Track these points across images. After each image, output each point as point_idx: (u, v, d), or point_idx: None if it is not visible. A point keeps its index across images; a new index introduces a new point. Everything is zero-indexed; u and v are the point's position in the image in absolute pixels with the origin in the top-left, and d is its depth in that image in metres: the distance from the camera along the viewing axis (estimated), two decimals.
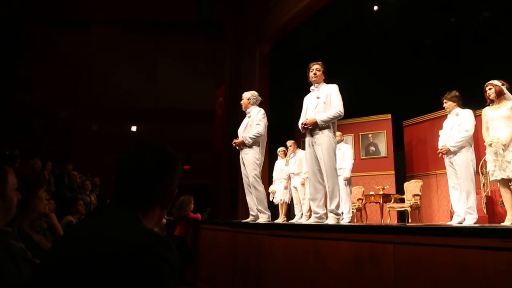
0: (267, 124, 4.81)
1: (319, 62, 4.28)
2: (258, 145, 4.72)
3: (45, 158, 8.24)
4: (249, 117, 4.86)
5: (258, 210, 4.68)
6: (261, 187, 4.69)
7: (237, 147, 4.85)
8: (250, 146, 4.69)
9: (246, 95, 4.99)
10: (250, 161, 4.66)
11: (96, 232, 1.00)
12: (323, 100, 4.11)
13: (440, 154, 4.56)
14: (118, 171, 1.12)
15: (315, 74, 4.22)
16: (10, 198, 1.50)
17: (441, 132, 4.86)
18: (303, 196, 6.52)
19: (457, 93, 4.66)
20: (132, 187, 1.09)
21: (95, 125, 13.09)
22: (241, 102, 4.99)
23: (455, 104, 4.64)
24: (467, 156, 4.35)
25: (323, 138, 4.02)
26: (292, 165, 6.82)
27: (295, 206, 6.83)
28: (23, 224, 2.01)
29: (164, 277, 0.95)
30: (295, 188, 6.72)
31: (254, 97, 4.95)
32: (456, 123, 4.50)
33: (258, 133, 4.65)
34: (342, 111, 4.04)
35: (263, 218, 4.60)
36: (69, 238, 1.06)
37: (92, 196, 7.25)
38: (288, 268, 3.33)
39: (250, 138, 4.64)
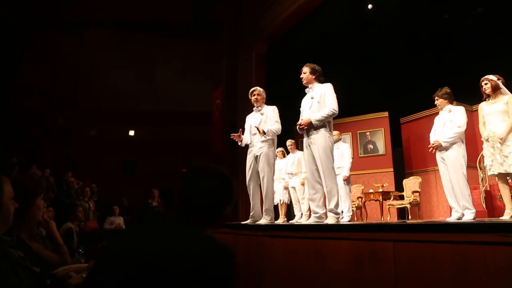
0: None
1: (306, 64, 4.32)
2: (273, 144, 4.72)
3: (44, 164, 8.23)
4: (261, 114, 4.80)
5: (264, 211, 4.64)
6: (272, 187, 4.68)
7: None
8: (266, 141, 4.65)
9: (262, 91, 4.93)
10: (266, 160, 4.61)
11: (181, 243, 1.14)
12: (317, 100, 4.12)
13: (431, 149, 4.57)
14: (194, 190, 1.30)
15: (302, 77, 4.30)
16: (6, 207, 1.50)
17: (433, 128, 4.86)
18: (302, 195, 6.53)
19: (448, 90, 4.66)
20: (203, 207, 1.28)
21: (94, 129, 13.07)
22: (257, 98, 4.86)
23: (446, 101, 4.64)
24: (459, 151, 4.35)
25: (319, 137, 4.02)
26: (291, 165, 6.82)
27: (294, 206, 6.83)
28: (21, 232, 2.00)
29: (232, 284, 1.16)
30: (293, 188, 6.73)
31: (265, 95, 4.96)
32: (448, 119, 4.51)
33: (279, 130, 4.67)
34: (336, 109, 4.04)
35: (266, 220, 4.58)
36: (157, 248, 1.13)
37: (90, 202, 7.23)
38: (289, 268, 3.33)
39: (270, 131, 4.62)
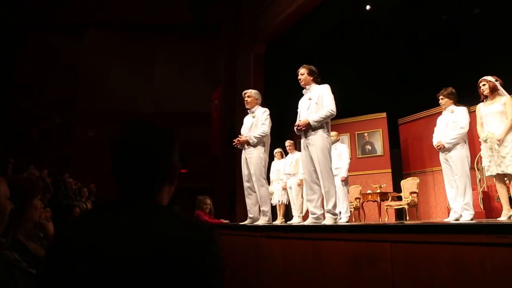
0: (271, 124, 4.82)
1: (303, 66, 4.34)
2: (263, 145, 4.72)
3: (43, 165, 8.20)
4: (253, 117, 4.83)
5: (261, 212, 4.66)
6: (266, 188, 4.69)
7: (239, 146, 4.81)
8: (254, 146, 4.67)
9: (253, 93, 4.95)
10: (256, 161, 4.63)
11: (143, 227, 0.93)
12: (314, 101, 4.13)
13: (438, 148, 4.58)
14: (122, 155, 1.04)
15: (299, 79, 4.31)
16: (3, 207, 1.49)
17: (436, 129, 4.88)
18: (297, 196, 6.54)
19: (453, 90, 4.69)
20: (139, 169, 1.02)
21: (92, 130, 13.04)
22: (247, 100, 4.92)
23: (451, 101, 4.66)
24: (462, 152, 4.37)
25: (317, 138, 4.04)
26: (288, 165, 6.83)
27: (292, 207, 6.84)
28: (18, 233, 1.99)
29: (220, 266, 0.96)
30: (290, 188, 6.74)
31: (259, 96, 4.97)
32: (451, 120, 4.53)
33: (264, 133, 4.65)
34: (334, 110, 4.06)
35: (263, 220, 4.59)
36: (115, 237, 0.93)
37: (88, 203, 7.22)
38: (287, 269, 3.33)
39: (255, 137, 4.63)
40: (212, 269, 0.93)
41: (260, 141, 4.68)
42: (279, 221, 6.80)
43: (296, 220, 6.28)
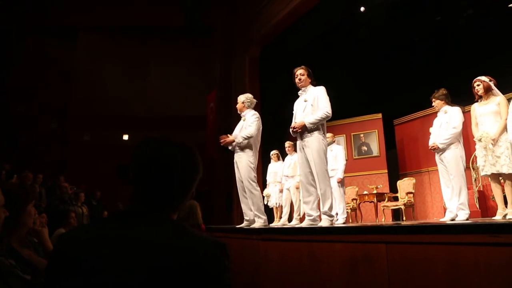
0: (261, 127, 4.80)
1: (302, 67, 4.32)
2: (251, 148, 4.70)
3: (38, 170, 8.16)
4: (244, 120, 4.85)
5: (255, 215, 4.65)
6: (257, 191, 4.67)
7: (228, 146, 4.80)
8: (242, 149, 4.67)
9: (241, 98, 4.97)
10: (245, 164, 4.64)
11: (153, 241, 0.91)
12: (310, 103, 4.14)
13: (432, 149, 4.61)
14: (147, 169, 1.00)
15: (300, 79, 4.29)
16: None
17: (431, 130, 4.90)
18: (296, 199, 6.53)
19: (444, 91, 4.71)
20: (164, 186, 1.00)
21: (87, 134, 13.00)
22: (237, 106, 4.96)
23: (443, 102, 4.68)
24: (457, 152, 4.39)
25: (313, 140, 4.04)
26: (287, 167, 6.81)
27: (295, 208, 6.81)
28: (12, 240, 1.98)
29: (227, 280, 0.94)
30: (288, 190, 6.72)
31: (249, 100, 4.95)
32: (444, 121, 4.55)
33: (250, 134, 4.64)
34: (330, 112, 4.07)
35: (259, 223, 4.58)
36: (121, 249, 0.91)
37: (83, 207, 7.17)
38: (284, 271, 3.32)
39: (242, 137, 4.63)
40: (222, 285, 0.92)
41: (247, 143, 4.67)
42: (276, 223, 6.79)
43: (294, 222, 6.28)
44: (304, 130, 4.08)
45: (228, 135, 4.83)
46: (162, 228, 0.95)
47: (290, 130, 4.24)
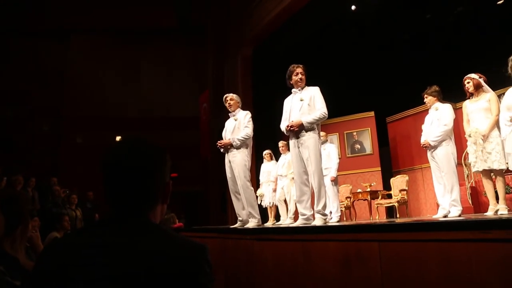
0: (253, 127, 4.81)
1: (301, 66, 4.31)
2: (246, 148, 4.70)
3: (30, 173, 8.09)
4: (235, 120, 4.83)
5: (249, 214, 4.64)
6: (251, 190, 4.67)
7: (221, 149, 4.81)
8: (238, 149, 4.66)
9: (235, 97, 4.95)
10: (240, 164, 4.62)
11: (135, 246, 0.93)
12: (307, 102, 4.14)
13: (424, 147, 4.63)
14: (113, 174, 1.03)
15: (301, 78, 4.25)
16: None
17: (423, 127, 4.93)
18: (290, 197, 6.54)
19: (437, 88, 4.74)
20: (133, 188, 1.02)
21: (80, 136, 12.93)
22: (230, 103, 4.90)
23: (435, 98, 4.72)
24: (448, 149, 4.42)
25: (309, 140, 4.04)
26: (281, 167, 6.81)
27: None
28: (4, 243, 1.96)
29: (208, 283, 0.95)
30: (282, 189, 6.73)
31: (240, 100, 4.98)
32: (435, 118, 4.58)
33: (247, 135, 4.64)
34: (326, 112, 4.10)
35: (253, 223, 4.58)
36: (104, 255, 0.92)
37: (77, 210, 7.13)
38: (278, 271, 3.33)
39: (239, 140, 4.62)
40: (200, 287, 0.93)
41: (243, 144, 4.67)
42: (270, 223, 6.79)
43: (287, 221, 6.29)
44: (301, 129, 4.09)
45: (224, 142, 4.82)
46: (142, 232, 0.97)
47: (285, 128, 4.22)
